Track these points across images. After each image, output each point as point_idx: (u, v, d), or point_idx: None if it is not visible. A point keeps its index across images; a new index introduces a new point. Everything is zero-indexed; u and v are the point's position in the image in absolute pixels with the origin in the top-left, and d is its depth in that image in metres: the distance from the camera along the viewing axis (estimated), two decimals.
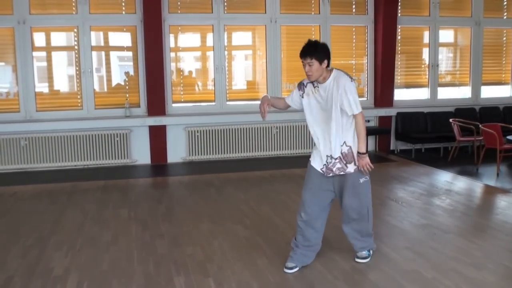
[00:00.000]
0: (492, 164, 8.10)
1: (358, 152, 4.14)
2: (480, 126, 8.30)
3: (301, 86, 4.24)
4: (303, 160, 9.15)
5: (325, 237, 4.92)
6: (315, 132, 4.20)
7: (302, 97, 4.21)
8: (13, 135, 8.48)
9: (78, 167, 8.78)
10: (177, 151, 9.15)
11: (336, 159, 4.12)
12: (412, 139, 9.60)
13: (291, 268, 4.17)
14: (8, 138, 8.46)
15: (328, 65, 4.09)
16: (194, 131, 9.10)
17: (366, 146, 4.17)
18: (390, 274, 4.08)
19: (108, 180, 7.83)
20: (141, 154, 9.01)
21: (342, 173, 4.16)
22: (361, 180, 4.20)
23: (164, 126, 9.02)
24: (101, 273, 4.23)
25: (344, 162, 4.13)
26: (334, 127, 4.08)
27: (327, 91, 4.07)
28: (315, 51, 4.02)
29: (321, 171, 4.19)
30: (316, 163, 4.23)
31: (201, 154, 9.15)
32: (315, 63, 4.00)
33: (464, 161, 8.94)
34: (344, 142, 4.12)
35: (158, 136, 9.02)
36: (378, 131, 9.84)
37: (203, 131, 9.13)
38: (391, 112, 9.95)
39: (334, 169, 4.14)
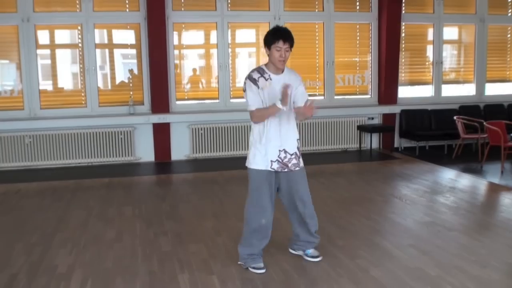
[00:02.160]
0: (496, 162, 8.08)
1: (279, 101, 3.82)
2: (484, 123, 8.28)
3: (254, 82, 3.99)
4: (307, 158, 9.14)
5: (328, 235, 4.94)
6: (266, 126, 3.99)
7: (260, 90, 3.99)
8: (18, 132, 8.50)
9: (82, 164, 8.80)
10: (181, 149, 9.16)
11: (292, 154, 4.07)
12: (416, 136, 9.58)
13: (264, 268, 4.12)
14: (13, 135, 8.49)
15: None
16: (198, 128, 9.11)
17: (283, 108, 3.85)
18: (394, 271, 4.08)
19: (112, 178, 7.85)
20: (145, 152, 9.02)
21: (296, 168, 4.10)
22: (304, 173, 4.22)
23: (168, 123, 9.03)
24: (105, 270, 4.24)
25: (298, 157, 4.11)
26: (289, 121, 4.04)
27: (281, 83, 3.91)
28: (292, 38, 3.96)
29: (270, 169, 4.04)
30: (261, 164, 4.04)
31: (205, 152, 9.16)
32: (289, 50, 3.95)
33: (468, 158, 8.92)
34: (298, 137, 4.14)
35: (162, 133, 9.03)
36: (382, 129, 9.82)
37: (207, 128, 9.14)
38: (395, 109, 9.94)
39: (289, 165, 4.07)
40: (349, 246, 4.64)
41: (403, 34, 10.01)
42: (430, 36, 10.34)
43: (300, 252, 4.40)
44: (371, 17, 9.91)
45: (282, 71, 4.05)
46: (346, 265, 4.22)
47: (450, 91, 10.56)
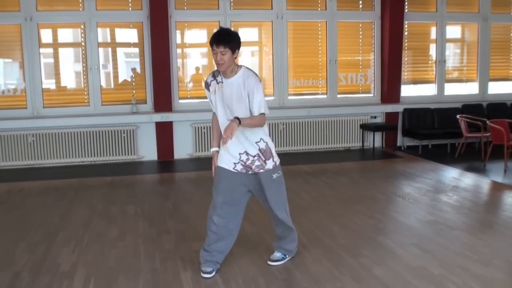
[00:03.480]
0: (499, 161, 8.06)
1: (236, 118, 3.74)
2: (487, 122, 8.27)
3: (206, 86, 4.01)
4: (310, 156, 9.17)
5: (332, 234, 4.94)
6: (221, 129, 3.92)
7: (210, 95, 4.00)
8: (21, 131, 8.52)
9: (85, 163, 8.81)
10: (183, 147, 9.16)
11: (254, 156, 3.96)
12: (419, 135, 9.58)
13: (210, 273, 4.01)
14: (16, 134, 8.51)
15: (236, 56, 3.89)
16: (201, 127, 9.12)
17: (247, 124, 3.80)
18: (397, 270, 4.07)
19: (115, 176, 7.86)
20: (147, 150, 9.03)
21: (261, 170, 3.99)
22: (274, 176, 4.05)
23: (170, 122, 9.03)
24: (108, 268, 4.25)
25: (263, 159, 3.98)
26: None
27: (233, 87, 3.85)
28: (229, 39, 3.77)
29: (233, 170, 3.99)
30: (224, 162, 4.00)
31: (208, 150, 9.15)
32: (228, 52, 3.74)
33: (471, 157, 8.91)
34: (261, 138, 3.98)
35: (164, 132, 9.04)
36: (385, 127, 9.81)
37: (210, 127, 9.11)
38: (398, 108, 9.93)
39: (253, 167, 3.98)
40: (352, 245, 4.64)
41: (406, 33, 9.99)
42: (433, 35, 10.33)
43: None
44: (374, 15, 9.90)
45: (236, 73, 3.88)
46: (349, 264, 4.21)
47: (453, 89, 10.55)
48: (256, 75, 3.95)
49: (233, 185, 4.02)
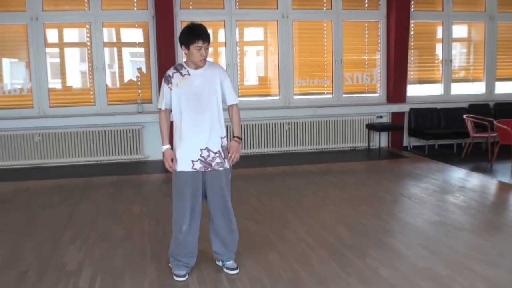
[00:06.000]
0: (506, 161, 8.02)
1: (235, 136, 3.93)
2: (494, 122, 8.24)
3: (167, 79, 3.88)
4: (316, 156, 9.15)
5: (338, 234, 4.93)
6: (185, 124, 3.86)
7: (171, 89, 3.87)
8: (27, 131, 8.55)
9: (91, 162, 8.83)
10: None
11: (216, 153, 3.88)
12: (425, 135, 9.54)
13: (183, 276, 3.96)
14: (22, 134, 8.54)
15: None
16: None
17: (239, 131, 4.02)
18: (403, 271, 4.06)
19: (120, 176, 7.87)
20: (153, 150, 9.02)
21: (220, 168, 3.91)
22: (229, 177, 4.03)
23: None
24: (114, 267, 4.25)
25: (223, 156, 3.92)
26: (210, 117, 3.86)
27: (204, 77, 3.85)
28: (209, 35, 3.82)
29: (192, 170, 3.87)
30: (183, 165, 3.88)
31: None
32: (208, 47, 3.81)
33: (478, 157, 8.88)
34: (225, 135, 3.96)
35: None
36: (391, 127, 9.78)
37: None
38: (404, 108, 9.89)
39: (213, 164, 3.88)
40: (358, 246, 4.63)
41: (412, 32, 9.96)
42: (439, 34, 10.29)
43: (219, 263, 4.19)
44: (379, 15, 9.87)
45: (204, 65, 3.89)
46: (355, 265, 4.20)
47: (459, 89, 10.50)
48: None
49: (194, 187, 3.91)
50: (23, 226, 5.45)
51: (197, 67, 3.86)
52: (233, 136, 4.03)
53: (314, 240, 4.80)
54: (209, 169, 3.90)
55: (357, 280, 3.90)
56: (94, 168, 8.53)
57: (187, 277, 4.00)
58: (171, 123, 4.01)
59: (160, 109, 3.98)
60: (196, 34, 3.74)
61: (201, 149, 3.86)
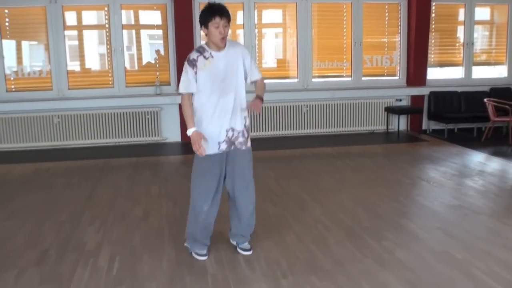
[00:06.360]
0: None
1: (258, 96, 3.89)
2: None
3: (192, 63, 3.80)
4: (334, 139, 9.11)
5: (355, 216, 4.93)
6: (210, 106, 3.81)
7: (196, 73, 3.80)
8: (46, 112, 8.64)
9: (109, 144, 8.90)
10: None
11: (239, 132, 3.90)
12: (445, 119, 9.44)
13: (205, 255, 4.05)
14: (42, 115, 8.64)
15: None
16: None
17: (263, 96, 3.96)
18: (420, 254, 4.04)
19: (139, 157, 7.93)
20: (171, 132, 9.07)
21: (243, 147, 3.93)
22: (251, 157, 4.05)
23: None
24: (133, 248, 4.30)
25: (246, 135, 3.95)
26: (234, 98, 3.84)
27: (228, 58, 3.80)
28: (228, 12, 3.73)
29: (218, 151, 3.87)
30: (210, 148, 3.85)
31: None
32: (228, 25, 3.73)
33: (498, 141, 8.77)
34: (247, 114, 3.96)
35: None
36: (410, 111, 9.69)
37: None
38: (423, 91, 9.79)
39: (236, 143, 3.91)
40: (375, 228, 4.62)
41: (433, 15, 9.81)
42: (461, 17, 10.12)
43: (233, 242, 4.24)
44: None
45: (225, 47, 3.83)
46: (371, 247, 4.20)
47: (480, 73, 10.35)
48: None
49: (220, 170, 3.95)
50: (43, 207, 5.54)
51: (219, 48, 3.80)
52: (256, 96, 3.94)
53: (331, 222, 4.80)
54: (232, 148, 3.92)
55: (373, 262, 3.89)
56: (112, 150, 8.60)
57: (207, 256, 4.04)
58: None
59: (182, 93, 3.89)
60: (213, 10, 3.70)
61: (226, 130, 3.87)
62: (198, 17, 3.88)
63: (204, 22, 3.74)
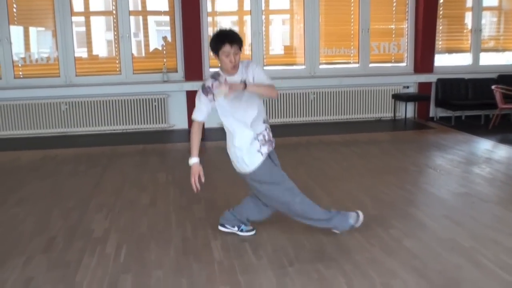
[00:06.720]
0: None
1: (246, 82, 3.68)
2: None
3: (206, 90, 3.74)
4: (341, 126, 9.09)
5: (363, 205, 4.93)
6: (238, 126, 3.88)
7: (211, 101, 3.77)
8: (54, 99, 8.67)
9: (116, 131, 8.93)
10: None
11: (265, 130, 3.96)
12: (452, 106, 9.40)
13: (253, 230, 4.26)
14: (49, 102, 8.67)
15: None
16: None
17: (255, 90, 3.71)
18: (427, 242, 4.05)
19: (146, 145, 7.95)
20: (178, 119, 9.08)
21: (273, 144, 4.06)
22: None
23: None
24: (140, 235, 4.33)
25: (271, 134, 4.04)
26: (257, 111, 3.85)
27: (242, 80, 3.70)
28: (239, 38, 3.67)
29: (264, 155, 3.90)
30: (256, 158, 3.88)
31: None
32: (239, 52, 3.67)
33: (506, 129, 8.72)
34: (266, 118, 4.03)
35: (195, 101, 9.03)
36: (417, 98, 9.65)
37: None
38: (431, 78, 9.73)
39: (272, 140, 4.05)
40: (382, 216, 4.62)
41: (441, 1, 9.72)
42: (469, 3, 10.02)
43: (235, 229, 4.27)
44: None
45: (236, 70, 3.77)
46: (379, 235, 4.20)
47: (488, 59, 10.27)
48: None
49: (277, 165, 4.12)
50: (51, 194, 5.57)
51: (234, 71, 3.75)
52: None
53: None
54: (273, 146, 4.03)
55: (381, 251, 3.90)
56: (120, 137, 8.63)
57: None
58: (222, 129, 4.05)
59: (194, 120, 3.87)
60: (221, 37, 3.63)
61: (257, 134, 3.88)
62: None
63: (215, 50, 3.69)
